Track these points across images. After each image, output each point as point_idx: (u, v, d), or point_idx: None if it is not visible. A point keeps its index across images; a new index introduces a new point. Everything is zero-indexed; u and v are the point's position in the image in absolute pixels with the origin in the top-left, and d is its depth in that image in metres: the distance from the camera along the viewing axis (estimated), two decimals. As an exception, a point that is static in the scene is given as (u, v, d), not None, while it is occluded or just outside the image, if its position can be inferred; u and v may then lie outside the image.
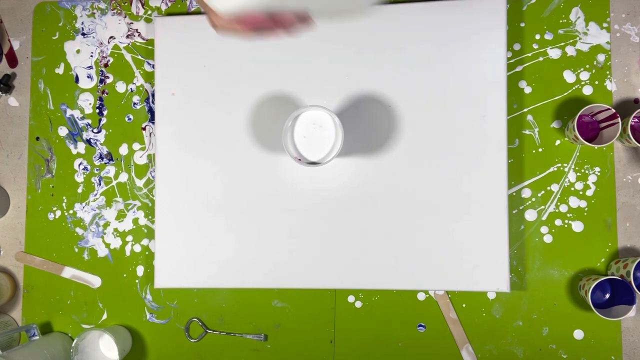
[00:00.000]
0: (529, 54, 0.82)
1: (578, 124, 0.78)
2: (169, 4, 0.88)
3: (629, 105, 0.80)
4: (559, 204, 0.80)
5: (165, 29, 0.84)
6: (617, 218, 0.79)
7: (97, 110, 0.88)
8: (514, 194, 0.80)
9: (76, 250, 0.87)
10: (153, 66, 0.87)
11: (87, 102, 0.88)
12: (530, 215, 0.80)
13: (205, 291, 0.84)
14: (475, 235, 0.78)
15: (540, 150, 0.81)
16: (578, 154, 0.80)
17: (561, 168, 0.80)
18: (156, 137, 0.83)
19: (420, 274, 0.79)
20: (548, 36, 0.81)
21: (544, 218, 0.80)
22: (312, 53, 0.81)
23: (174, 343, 0.84)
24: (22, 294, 0.87)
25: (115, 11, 0.89)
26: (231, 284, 0.81)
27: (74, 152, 0.88)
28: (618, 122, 0.74)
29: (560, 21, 0.81)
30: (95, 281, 0.86)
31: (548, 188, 0.80)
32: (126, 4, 0.88)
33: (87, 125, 0.88)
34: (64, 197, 0.87)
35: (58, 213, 0.87)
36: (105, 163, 0.87)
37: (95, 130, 0.88)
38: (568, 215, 0.80)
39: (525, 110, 0.81)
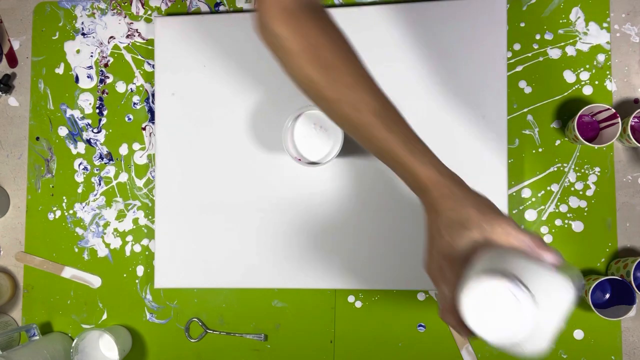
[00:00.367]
0: (529, 54, 0.82)
1: (578, 124, 0.78)
2: (169, 4, 0.88)
3: (629, 105, 0.80)
4: (559, 204, 0.80)
5: (165, 29, 0.84)
6: (617, 218, 0.79)
7: (97, 110, 0.88)
8: (514, 194, 0.80)
9: (76, 250, 0.87)
10: (153, 66, 0.87)
11: (87, 102, 0.88)
12: (530, 215, 0.80)
13: (205, 291, 0.84)
14: (475, 235, 0.78)
15: (540, 150, 0.81)
16: (578, 154, 0.80)
17: (561, 168, 0.80)
18: (156, 137, 0.83)
19: (420, 274, 0.78)
20: (548, 36, 0.81)
21: (544, 218, 0.80)
22: (312, 53, 0.81)
23: (174, 343, 0.84)
24: (22, 294, 0.87)
25: (115, 11, 0.89)
26: (231, 284, 0.81)
27: (74, 152, 0.88)
28: (618, 122, 0.74)
29: (560, 21, 0.81)
30: (95, 281, 0.86)
31: (548, 188, 0.80)
32: (126, 4, 0.88)
33: (87, 125, 0.88)
34: (64, 197, 0.87)
35: (58, 213, 0.87)
36: (105, 163, 0.87)
37: (95, 130, 0.88)
38: (568, 215, 0.80)
39: (525, 110, 0.81)
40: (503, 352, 0.79)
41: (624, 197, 0.79)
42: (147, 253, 0.85)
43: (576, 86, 0.81)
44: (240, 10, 0.86)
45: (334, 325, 0.82)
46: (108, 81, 0.88)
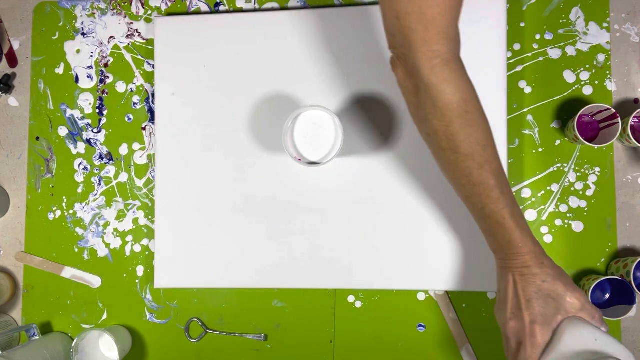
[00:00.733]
0: (529, 54, 0.82)
1: (578, 124, 0.78)
2: (169, 4, 0.88)
3: (629, 105, 0.80)
4: (559, 204, 0.80)
5: (165, 29, 0.84)
6: (617, 218, 0.79)
7: (97, 110, 0.88)
8: (514, 194, 0.80)
9: (76, 250, 0.87)
10: (153, 66, 0.87)
11: (87, 102, 0.88)
12: (530, 215, 0.80)
13: (205, 291, 0.84)
14: (476, 235, 0.78)
15: (540, 150, 0.81)
16: (578, 154, 0.80)
17: (561, 168, 0.80)
18: (156, 137, 0.83)
19: (421, 274, 0.79)
20: (548, 36, 0.81)
21: (544, 218, 0.80)
22: (312, 53, 0.81)
23: (174, 343, 0.84)
24: (22, 294, 0.87)
25: (115, 11, 0.89)
26: (231, 284, 0.81)
27: (74, 152, 0.88)
28: (618, 122, 0.74)
29: (560, 21, 0.81)
30: (95, 281, 0.86)
31: (548, 188, 0.80)
32: (126, 4, 0.88)
33: (87, 125, 0.88)
34: (64, 197, 0.87)
35: (58, 213, 0.87)
36: (105, 163, 0.87)
37: (95, 130, 0.88)
38: (568, 215, 0.80)
39: (525, 110, 0.81)
40: (503, 352, 0.79)
41: (624, 197, 0.79)
42: (147, 253, 0.85)
43: (576, 86, 0.81)
44: (240, 10, 0.86)
45: (334, 325, 0.82)
46: (108, 81, 0.88)
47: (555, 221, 0.80)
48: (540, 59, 0.81)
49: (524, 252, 0.59)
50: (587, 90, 0.80)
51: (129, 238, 0.86)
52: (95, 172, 0.87)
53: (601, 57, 0.81)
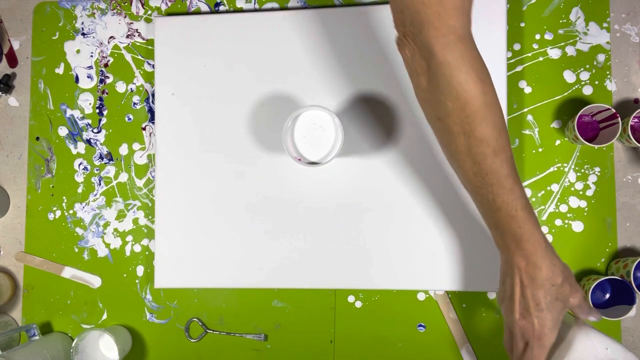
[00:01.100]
0: (529, 54, 0.82)
1: (578, 124, 0.78)
2: (169, 4, 0.88)
3: (629, 105, 0.80)
4: (559, 204, 0.80)
5: (165, 29, 0.84)
6: (617, 218, 0.79)
7: (97, 110, 0.88)
8: (514, 194, 0.80)
9: (76, 250, 0.87)
10: (153, 66, 0.87)
11: (87, 102, 0.88)
12: (530, 215, 0.80)
13: (205, 291, 0.84)
14: (476, 235, 0.78)
15: (540, 150, 0.81)
16: (578, 154, 0.80)
17: (561, 168, 0.80)
18: (156, 137, 0.83)
19: (420, 274, 0.79)
20: (548, 36, 0.81)
21: (544, 218, 0.80)
22: (312, 53, 0.81)
23: (174, 343, 0.84)
24: (22, 294, 0.87)
25: (115, 11, 0.89)
26: (231, 284, 0.81)
27: (74, 152, 0.88)
28: (618, 122, 0.74)
29: (560, 21, 0.81)
30: (95, 281, 0.86)
31: (548, 188, 0.80)
32: (126, 4, 0.88)
33: (87, 125, 0.88)
34: (64, 197, 0.87)
35: (58, 213, 0.87)
36: (105, 163, 0.87)
37: (95, 130, 0.88)
38: (568, 215, 0.80)
39: (525, 110, 0.81)
40: (503, 352, 0.79)
41: (624, 197, 0.79)
42: (147, 253, 0.85)
43: (576, 86, 0.81)
44: (241, 10, 0.86)
45: (334, 325, 0.82)
46: (108, 81, 0.88)
47: (555, 221, 0.80)
48: (540, 59, 0.81)
49: (534, 250, 0.56)
50: (587, 90, 0.80)
51: (129, 238, 0.86)
52: (95, 172, 0.87)
53: (601, 57, 0.81)
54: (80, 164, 0.87)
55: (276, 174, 0.81)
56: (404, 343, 0.81)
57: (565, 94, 0.81)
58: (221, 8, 0.86)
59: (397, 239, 0.79)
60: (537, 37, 0.82)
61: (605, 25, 0.81)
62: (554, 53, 0.81)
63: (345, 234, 0.80)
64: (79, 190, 0.87)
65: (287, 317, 0.83)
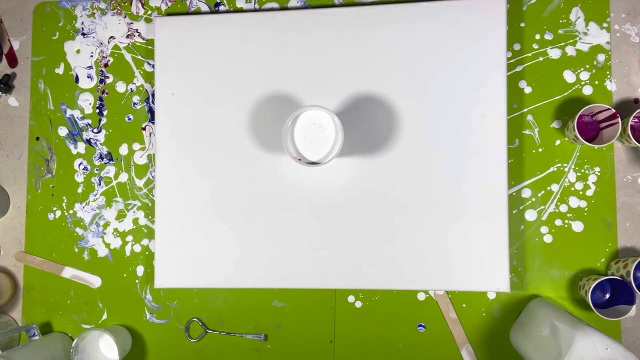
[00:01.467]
0: (529, 54, 0.82)
1: (578, 124, 0.78)
2: (169, 4, 0.88)
3: (629, 105, 0.80)
4: (559, 204, 0.80)
5: (165, 29, 0.84)
6: (617, 218, 0.79)
7: (97, 110, 0.88)
8: (514, 194, 0.80)
9: (76, 250, 0.87)
10: (153, 66, 0.87)
11: (87, 102, 0.88)
12: (530, 215, 0.80)
13: (205, 291, 0.84)
14: (475, 235, 0.78)
15: (540, 150, 0.81)
16: (578, 154, 0.80)
17: (561, 168, 0.80)
18: (156, 137, 0.83)
19: (420, 274, 0.79)
20: (548, 36, 0.81)
21: (544, 218, 0.80)
22: (312, 53, 0.81)
23: (174, 343, 0.84)
24: (22, 294, 0.87)
25: (115, 11, 0.89)
26: (231, 284, 0.81)
27: (74, 152, 0.88)
28: (618, 122, 0.74)
29: (560, 21, 0.81)
30: (95, 281, 0.86)
31: (548, 188, 0.80)
32: (126, 4, 0.88)
33: (87, 125, 0.88)
34: (64, 197, 0.87)
35: (58, 213, 0.87)
36: (105, 163, 0.87)
37: (95, 130, 0.88)
38: (568, 215, 0.80)
39: (525, 110, 0.81)
40: (503, 352, 0.79)
41: (624, 197, 0.79)
42: (147, 253, 0.85)
43: (576, 86, 0.81)
44: (241, 10, 0.86)
45: (334, 325, 0.82)
46: (108, 81, 0.88)
47: (555, 221, 0.80)
48: (540, 59, 0.81)
49: None
50: (587, 90, 0.80)
51: (129, 238, 0.86)
52: (95, 172, 0.87)
53: (601, 57, 0.81)
54: (80, 164, 0.87)
55: (276, 174, 0.81)
56: (404, 343, 0.81)
57: (565, 94, 0.81)
58: (221, 8, 0.86)
59: (396, 239, 0.79)
60: (537, 37, 0.82)
61: (605, 25, 0.81)
62: (554, 53, 0.81)
63: (345, 234, 0.80)
64: (79, 190, 0.87)
65: (287, 317, 0.83)
